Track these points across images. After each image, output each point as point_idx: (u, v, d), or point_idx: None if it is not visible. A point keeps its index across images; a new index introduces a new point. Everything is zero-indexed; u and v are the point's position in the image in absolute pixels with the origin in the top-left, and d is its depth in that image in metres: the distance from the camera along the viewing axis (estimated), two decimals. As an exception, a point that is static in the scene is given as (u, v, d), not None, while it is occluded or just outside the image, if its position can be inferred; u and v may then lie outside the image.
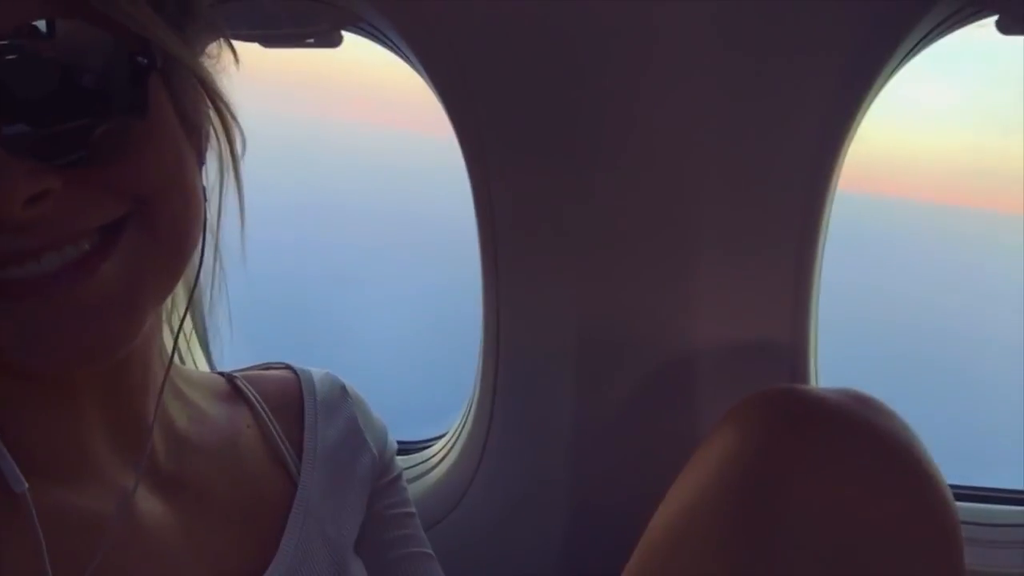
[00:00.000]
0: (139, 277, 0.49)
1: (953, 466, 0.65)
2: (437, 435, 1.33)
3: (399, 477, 0.77)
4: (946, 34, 0.97)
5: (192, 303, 0.62)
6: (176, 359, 0.63)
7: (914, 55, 0.98)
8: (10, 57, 0.43)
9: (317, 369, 0.76)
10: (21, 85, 0.44)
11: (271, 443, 0.68)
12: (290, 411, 0.71)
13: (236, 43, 0.62)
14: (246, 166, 0.61)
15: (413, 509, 0.77)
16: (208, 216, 0.58)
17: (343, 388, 0.76)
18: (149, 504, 0.57)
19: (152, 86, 0.49)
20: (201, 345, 1.24)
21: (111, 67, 0.47)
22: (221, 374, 0.73)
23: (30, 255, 0.45)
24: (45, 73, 0.44)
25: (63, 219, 0.45)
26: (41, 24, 0.44)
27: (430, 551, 0.75)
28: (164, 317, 0.63)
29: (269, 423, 0.69)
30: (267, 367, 0.76)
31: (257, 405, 0.69)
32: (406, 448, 1.32)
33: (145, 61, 0.48)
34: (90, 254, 0.47)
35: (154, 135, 0.49)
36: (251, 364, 0.78)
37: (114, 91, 0.47)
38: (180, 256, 0.53)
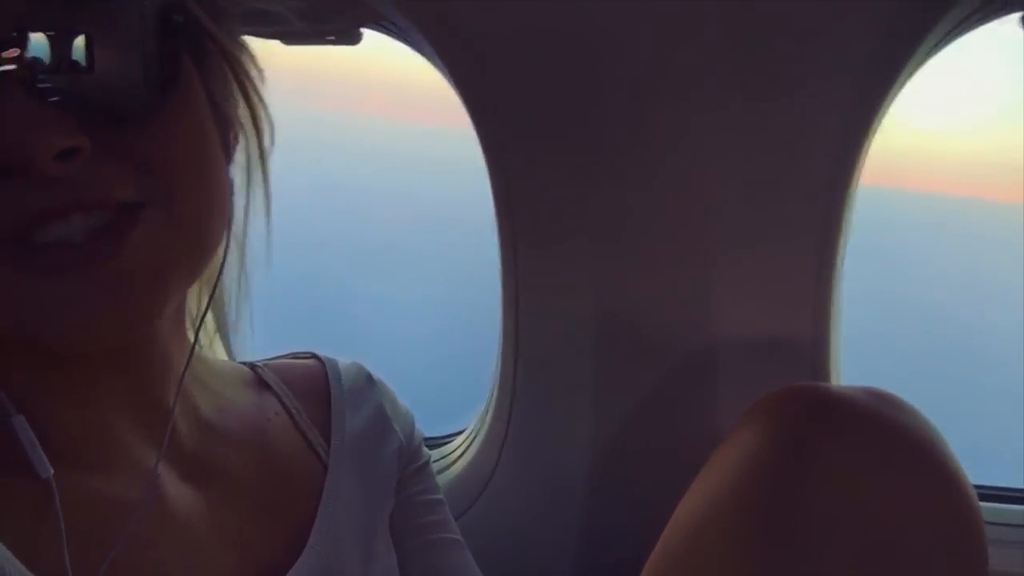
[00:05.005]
0: (163, 255, 0.48)
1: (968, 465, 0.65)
2: (457, 431, 1.34)
3: (427, 464, 0.77)
4: (970, 30, 0.96)
5: (215, 299, 0.62)
6: (198, 350, 0.63)
7: (938, 50, 0.97)
8: (50, 12, 0.44)
9: (344, 359, 0.76)
10: (58, 40, 0.44)
11: (299, 431, 0.68)
12: (316, 399, 0.71)
13: (257, 41, 0.62)
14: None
15: (441, 496, 0.77)
16: (236, 213, 0.58)
17: (369, 376, 0.75)
18: (177, 491, 0.57)
19: (185, 66, 0.49)
20: (223, 341, 1.25)
21: (148, 34, 0.47)
22: (244, 364, 0.72)
23: (58, 214, 0.44)
24: (82, 30, 0.45)
25: (90, 182, 0.45)
26: None
27: (459, 537, 0.75)
28: (186, 311, 0.63)
29: (296, 411, 0.68)
30: (294, 356, 0.76)
31: (282, 394, 0.69)
32: (426, 443, 1.32)
33: (181, 20, 0.48)
34: (118, 221, 0.46)
35: (184, 116, 0.49)
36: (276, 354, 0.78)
37: (150, 60, 0.47)
38: (201, 245, 0.52)
